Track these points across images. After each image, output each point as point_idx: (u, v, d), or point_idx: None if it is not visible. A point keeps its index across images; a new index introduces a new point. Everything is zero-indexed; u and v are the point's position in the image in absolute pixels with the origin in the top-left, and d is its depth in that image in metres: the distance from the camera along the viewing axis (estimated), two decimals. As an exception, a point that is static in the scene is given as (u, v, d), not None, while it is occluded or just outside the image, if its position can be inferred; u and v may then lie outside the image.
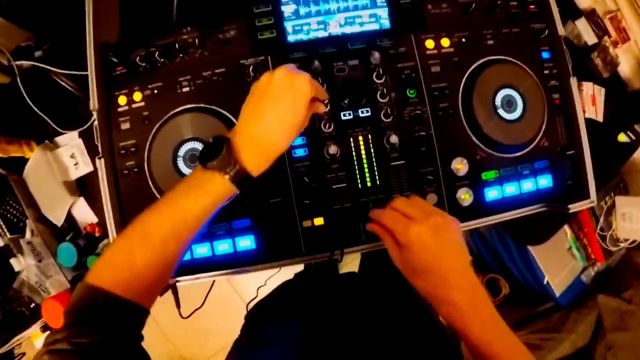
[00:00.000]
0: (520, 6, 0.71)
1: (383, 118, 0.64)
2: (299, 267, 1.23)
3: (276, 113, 0.48)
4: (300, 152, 0.63)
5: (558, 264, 1.24)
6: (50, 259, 0.85)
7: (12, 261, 0.85)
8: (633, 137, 0.99)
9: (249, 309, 0.74)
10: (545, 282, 1.21)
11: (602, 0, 0.97)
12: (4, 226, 0.86)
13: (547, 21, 0.72)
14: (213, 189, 0.46)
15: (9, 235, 0.86)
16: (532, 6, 0.71)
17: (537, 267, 1.20)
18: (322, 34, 0.65)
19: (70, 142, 0.85)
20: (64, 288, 0.85)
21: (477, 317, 0.45)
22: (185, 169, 0.61)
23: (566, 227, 1.22)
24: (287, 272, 0.94)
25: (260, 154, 0.48)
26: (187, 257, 0.62)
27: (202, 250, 0.62)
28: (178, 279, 0.62)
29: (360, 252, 0.64)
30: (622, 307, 1.23)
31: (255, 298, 0.78)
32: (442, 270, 0.46)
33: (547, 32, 0.71)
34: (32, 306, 0.88)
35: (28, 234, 0.87)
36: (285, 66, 0.49)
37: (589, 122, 0.84)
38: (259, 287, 1.17)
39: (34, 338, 0.93)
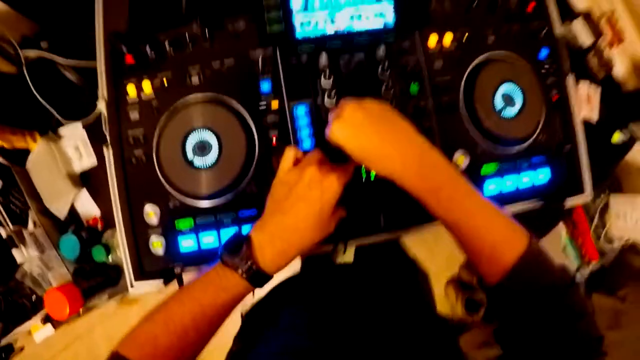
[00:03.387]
0: (520, 5, 0.73)
1: (387, 111, 0.65)
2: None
3: (302, 210, 0.48)
4: (307, 144, 0.65)
5: (553, 262, 1.26)
6: (52, 250, 0.85)
7: (14, 252, 0.85)
8: (628, 136, 1.01)
9: (243, 315, 0.73)
10: (540, 280, 1.23)
11: (598, 3, 0.99)
12: (6, 217, 0.86)
13: (546, 20, 0.74)
14: (230, 287, 0.47)
15: (11, 227, 0.86)
16: (532, 5, 0.73)
17: (533, 265, 1.22)
18: (329, 29, 0.66)
19: (74, 134, 0.85)
20: (66, 280, 0.85)
21: (431, 181, 0.47)
22: (193, 158, 0.62)
23: (561, 227, 1.24)
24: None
25: (279, 253, 0.48)
26: (195, 247, 0.63)
27: (208, 240, 0.63)
28: (185, 269, 0.63)
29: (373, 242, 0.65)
30: (616, 306, 1.25)
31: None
32: (375, 149, 0.47)
33: (545, 30, 0.73)
34: (33, 298, 0.88)
35: (30, 226, 0.87)
36: (315, 163, 0.50)
37: (584, 122, 0.87)
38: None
39: (34, 330, 0.92)
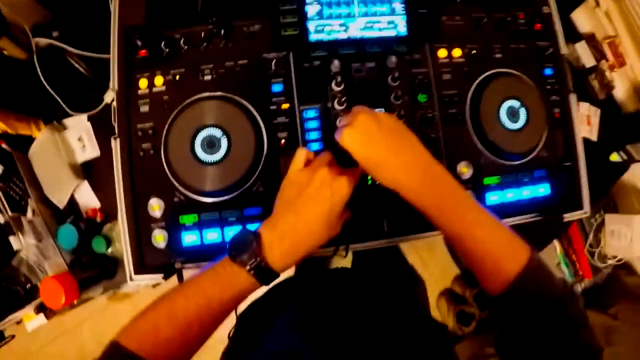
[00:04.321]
0: (527, 24, 0.75)
1: (395, 119, 0.66)
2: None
3: (313, 210, 0.49)
4: (315, 146, 0.66)
5: (547, 279, 1.27)
6: (50, 239, 0.85)
7: (11, 239, 0.84)
8: (625, 157, 1.03)
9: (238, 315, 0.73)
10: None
11: (602, 26, 1.01)
12: (5, 204, 0.86)
13: (552, 40, 0.76)
14: (238, 283, 0.47)
15: (10, 213, 0.85)
16: (538, 25, 0.76)
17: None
18: (342, 35, 0.68)
19: (78, 125, 0.85)
20: (62, 270, 0.84)
21: (434, 194, 0.49)
22: (202, 154, 0.62)
23: (556, 243, 1.26)
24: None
25: (288, 251, 0.48)
26: (197, 242, 0.64)
27: (212, 236, 0.63)
28: (185, 265, 0.63)
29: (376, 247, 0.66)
30: (607, 323, 1.26)
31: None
32: (382, 159, 0.49)
33: (551, 50, 0.75)
34: (28, 286, 0.88)
35: (29, 213, 0.86)
36: (325, 164, 0.51)
37: (583, 140, 0.88)
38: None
39: (26, 319, 0.91)
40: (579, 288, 1.31)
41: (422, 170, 0.49)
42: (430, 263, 1.70)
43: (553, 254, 1.26)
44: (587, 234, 1.20)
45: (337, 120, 0.66)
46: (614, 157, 1.04)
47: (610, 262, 1.21)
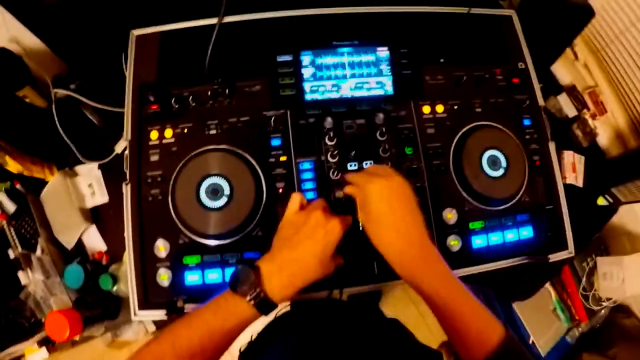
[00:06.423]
0: (505, 80, 0.81)
1: (384, 170, 0.71)
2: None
3: (308, 247, 0.52)
4: (309, 195, 0.70)
5: (543, 324, 1.27)
6: (57, 277, 0.87)
7: (20, 274, 0.87)
8: (611, 200, 1.05)
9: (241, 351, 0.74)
10: (530, 342, 1.24)
11: (582, 77, 1.06)
12: (17, 240, 0.90)
13: (529, 92, 0.82)
14: (238, 313, 0.49)
15: (20, 250, 0.89)
16: (515, 79, 0.82)
17: (523, 327, 1.24)
18: (334, 95, 0.75)
19: (89, 172, 0.89)
20: (67, 307, 0.87)
21: (426, 267, 0.52)
22: (206, 201, 0.67)
23: (550, 289, 1.27)
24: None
25: (286, 283, 0.51)
26: (199, 282, 0.67)
27: (212, 276, 0.67)
28: (186, 305, 0.66)
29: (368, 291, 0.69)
30: (607, 365, 1.26)
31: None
32: (393, 221, 0.53)
33: (528, 102, 0.81)
34: (32, 320, 0.90)
35: (39, 251, 0.89)
36: (320, 208, 0.56)
37: (569, 187, 0.91)
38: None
39: (28, 353, 0.93)
40: (576, 333, 1.31)
41: (420, 244, 0.53)
42: (429, 315, 1.68)
43: (549, 300, 1.26)
44: (580, 278, 1.21)
45: (331, 172, 0.71)
46: (601, 200, 1.06)
47: (604, 304, 1.22)
